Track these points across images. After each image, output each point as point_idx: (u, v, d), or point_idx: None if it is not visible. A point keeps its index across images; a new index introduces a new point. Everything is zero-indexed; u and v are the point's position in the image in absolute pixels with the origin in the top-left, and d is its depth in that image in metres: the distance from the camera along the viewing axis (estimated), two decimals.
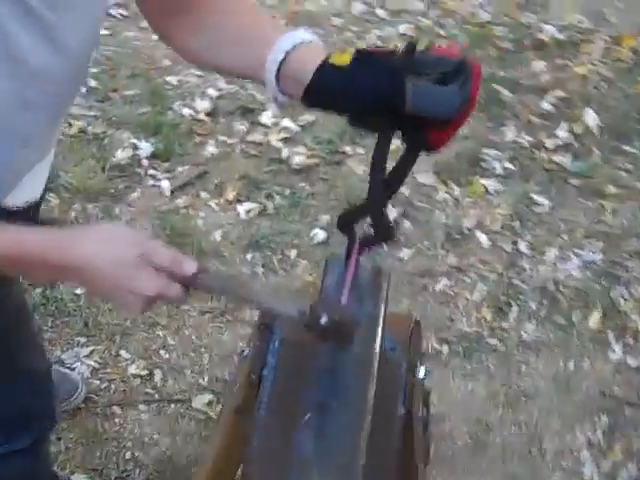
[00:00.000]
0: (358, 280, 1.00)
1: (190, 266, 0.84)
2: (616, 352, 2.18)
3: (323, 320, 0.81)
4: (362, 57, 0.87)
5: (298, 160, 2.64)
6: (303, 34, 0.92)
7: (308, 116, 2.80)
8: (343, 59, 0.87)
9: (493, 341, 2.19)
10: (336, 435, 0.90)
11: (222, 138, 2.71)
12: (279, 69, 0.91)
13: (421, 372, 1.18)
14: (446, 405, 2.00)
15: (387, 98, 0.83)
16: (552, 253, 2.42)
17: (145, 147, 2.56)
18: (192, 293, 0.88)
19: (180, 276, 0.84)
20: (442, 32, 3.29)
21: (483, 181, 2.64)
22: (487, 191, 2.61)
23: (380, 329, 0.98)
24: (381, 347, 0.98)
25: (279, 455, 0.90)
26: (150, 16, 1.02)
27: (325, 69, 0.87)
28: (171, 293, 0.84)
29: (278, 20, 0.96)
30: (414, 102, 0.83)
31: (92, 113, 2.70)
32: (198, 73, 2.94)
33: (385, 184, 0.92)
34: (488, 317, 2.24)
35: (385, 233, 0.97)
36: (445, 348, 2.17)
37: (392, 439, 1.02)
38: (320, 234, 2.41)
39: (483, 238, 2.46)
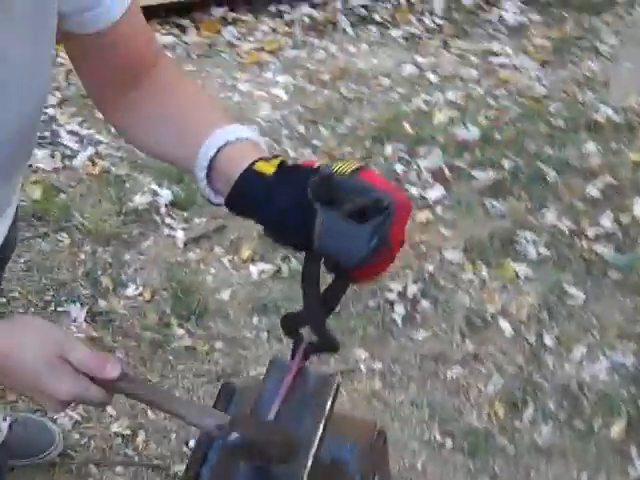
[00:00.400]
0: (301, 388, 0.95)
1: (112, 370, 0.81)
2: (637, 468, 2.07)
3: (232, 437, 0.77)
4: (286, 171, 0.84)
5: None
6: (240, 130, 0.90)
7: None
8: (267, 168, 0.84)
9: (502, 440, 2.10)
10: None
11: None
12: (210, 166, 0.88)
13: None
14: None
15: (301, 222, 0.80)
16: (579, 351, 2.33)
17: (165, 194, 2.57)
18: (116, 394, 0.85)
19: (101, 379, 0.81)
20: (493, 102, 3.26)
21: (514, 265, 2.56)
22: (517, 276, 2.54)
23: (314, 449, 0.92)
24: (319, 461, 0.92)
25: None
26: (100, 103, 1.01)
27: (249, 174, 0.84)
28: (90, 396, 0.81)
29: (219, 111, 0.93)
30: (320, 240, 0.79)
31: (119, 154, 2.73)
32: None
33: (322, 300, 0.87)
34: (500, 413, 2.16)
35: (328, 345, 0.93)
36: (449, 442, 2.09)
37: None
38: None
39: (506, 326, 2.38)
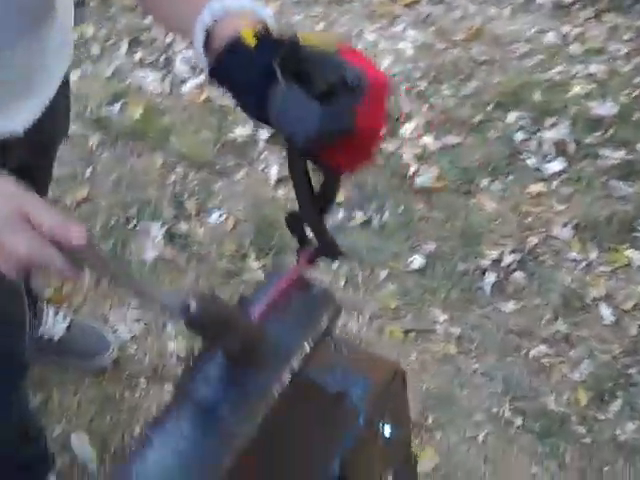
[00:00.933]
0: (299, 300, 0.92)
1: (78, 236, 0.75)
2: None
3: (192, 307, 0.73)
4: (267, 41, 0.80)
5: (424, 180, 2.55)
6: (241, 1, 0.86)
7: (454, 137, 2.71)
8: (250, 37, 0.80)
9: (580, 429, 1.98)
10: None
11: None
12: (206, 39, 0.85)
13: (386, 430, 1.07)
14: None
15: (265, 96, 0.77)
16: None
17: (265, 129, 2.58)
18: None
19: (65, 245, 0.75)
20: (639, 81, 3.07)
21: (629, 252, 2.41)
22: (630, 264, 2.38)
23: (293, 362, 0.88)
24: (303, 380, 0.89)
25: None
26: None
27: (231, 43, 0.81)
28: (50, 260, 0.75)
29: None
30: (275, 114, 0.76)
31: None
32: None
33: (312, 192, 0.85)
34: (583, 401, 2.03)
35: (328, 248, 0.90)
36: (519, 420, 1.99)
37: None
38: (418, 261, 2.31)
39: (607, 313, 2.24)
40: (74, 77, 2.80)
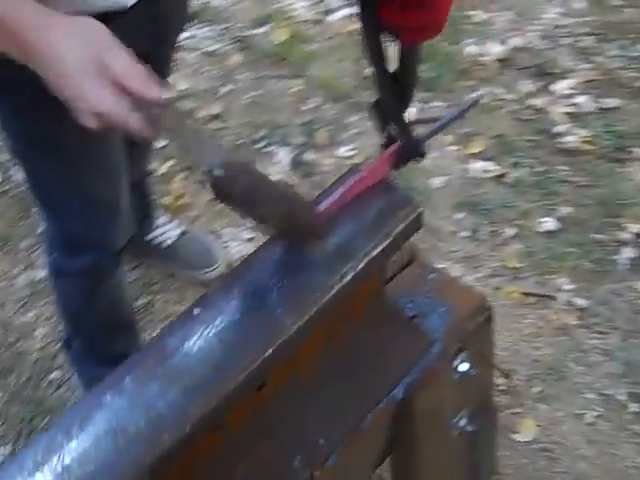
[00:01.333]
0: (376, 202, 0.88)
1: (158, 93, 0.73)
2: None
3: (216, 171, 0.70)
4: None
5: (571, 140, 2.41)
6: None
7: (612, 100, 2.54)
8: None
9: None
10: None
11: (499, 90, 2.57)
12: None
13: (462, 366, 1.02)
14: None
15: None
16: None
17: None
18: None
19: (144, 103, 0.73)
20: None
21: None
22: None
23: (356, 260, 0.84)
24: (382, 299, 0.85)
25: None
26: None
27: None
28: (125, 117, 0.74)
29: None
30: None
31: None
32: (511, 17, 2.81)
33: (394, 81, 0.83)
34: None
35: (409, 146, 0.84)
36: (634, 407, 1.87)
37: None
38: (550, 224, 2.19)
39: None
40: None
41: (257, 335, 0.78)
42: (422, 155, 0.90)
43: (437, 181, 2.28)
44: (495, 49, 2.68)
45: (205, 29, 2.65)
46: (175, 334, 0.80)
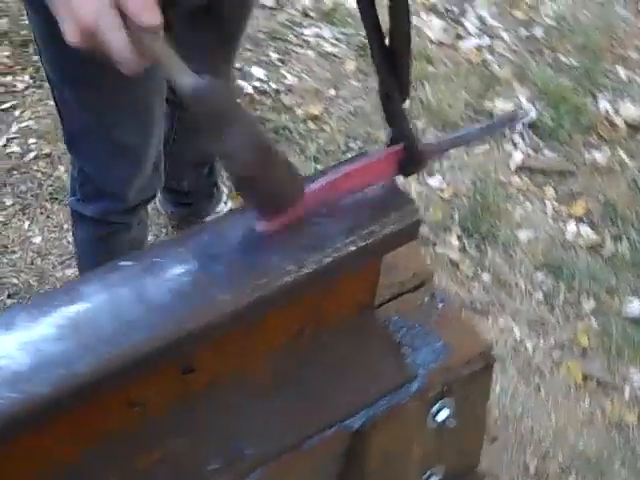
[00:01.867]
0: (370, 197, 0.81)
1: (153, 17, 0.67)
2: None
3: (196, 85, 0.65)
4: None
5: None
6: None
7: None
8: None
9: None
10: None
11: (622, 154, 2.41)
12: None
13: (440, 414, 0.92)
14: None
15: None
16: None
17: (526, 109, 2.40)
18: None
19: (134, 25, 0.67)
20: None
21: None
22: None
23: (326, 250, 0.76)
24: None
25: None
26: None
27: None
28: (111, 37, 0.68)
29: None
30: None
31: (509, 56, 2.61)
32: None
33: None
34: None
35: (411, 151, 0.77)
36: None
37: None
38: (635, 308, 2.04)
39: None
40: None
41: (183, 305, 0.71)
42: (421, 165, 0.82)
43: (525, 234, 2.15)
44: (629, 111, 2.52)
45: (328, 29, 2.61)
46: (93, 282, 0.74)
